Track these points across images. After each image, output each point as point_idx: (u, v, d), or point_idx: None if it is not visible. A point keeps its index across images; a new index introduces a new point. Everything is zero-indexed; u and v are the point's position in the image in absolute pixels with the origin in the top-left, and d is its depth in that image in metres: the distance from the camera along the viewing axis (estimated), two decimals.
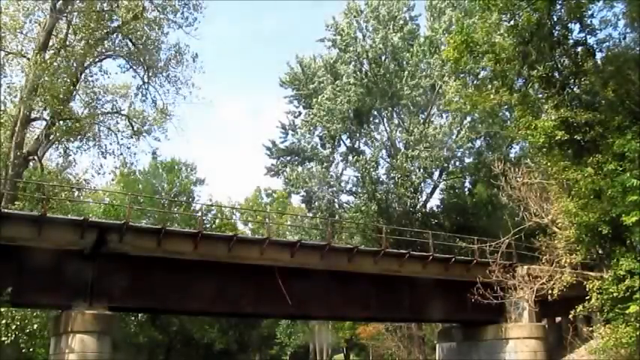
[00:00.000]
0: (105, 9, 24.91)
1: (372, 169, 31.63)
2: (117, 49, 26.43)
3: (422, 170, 31.44)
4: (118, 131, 25.99)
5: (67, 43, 24.75)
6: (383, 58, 32.09)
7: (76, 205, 28.08)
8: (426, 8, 33.99)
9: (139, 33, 25.84)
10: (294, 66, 34.79)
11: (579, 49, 17.30)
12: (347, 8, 33.44)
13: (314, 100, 32.53)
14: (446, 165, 33.30)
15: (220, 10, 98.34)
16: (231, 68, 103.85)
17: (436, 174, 34.02)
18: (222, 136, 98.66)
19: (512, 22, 17.13)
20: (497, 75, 17.94)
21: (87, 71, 25.78)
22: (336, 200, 33.77)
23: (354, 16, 33.13)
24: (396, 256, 19.29)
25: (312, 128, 33.22)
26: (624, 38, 17.22)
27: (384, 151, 33.41)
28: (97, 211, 35.46)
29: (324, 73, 32.95)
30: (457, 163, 34.54)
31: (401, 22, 33.00)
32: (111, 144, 25.88)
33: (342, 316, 26.33)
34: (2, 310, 17.51)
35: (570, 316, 17.60)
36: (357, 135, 33.95)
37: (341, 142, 34.17)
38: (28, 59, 23.22)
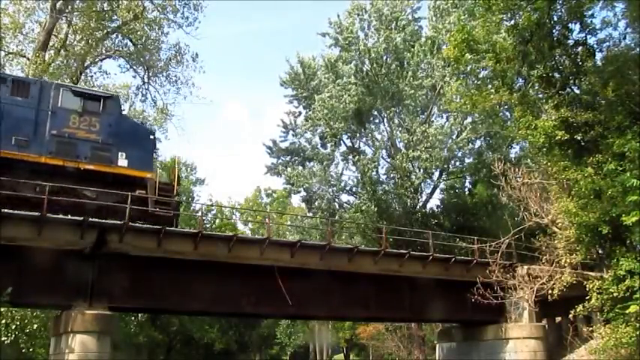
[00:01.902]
0: (105, 9, 24.94)
1: (372, 169, 31.63)
2: (117, 49, 26.50)
3: (422, 170, 31.44)
4: None
5: (67, 43, 24.79)
6: (385, 57, 32.11)
7: None
8: (429, 8, 34.03)
9: (139, 33, 25.90)
10: (295, 65, 34.84)
11: (579, 49, 17.29)
12: (351, 8, 33.49)
13: (316, 97, 32.58)
14: (446, 165, 33.27)
15: (220, 9, 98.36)
16: (231, 68, 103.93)
17: (436, 174, 34.02)
18: (223, 136, 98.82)
19: (512, 22, 17.14)
20: (497, 75, 17.94)
21: (87, 71, 25.83)
22: (336, 200, 33.79)
23: (358, 15, 33.17)
24: (396, 256, 19.28)
25: (313, 127, 33.25)
26: (624, 38, 17.24)
27: (384, 151, 33.42)
28: None
29: (325, 72, 32.98)
30: (457, 164, 34.54)
31: (403, 22, 33.03)
32: None
33: (342, 316, 26.33)
34: (2, 310, 17.50)
35: (570, 316, 17.60)
36: (358, 135, 33.98)
37: (341, 141, 34.20)
38: (28, 59, 23.24)
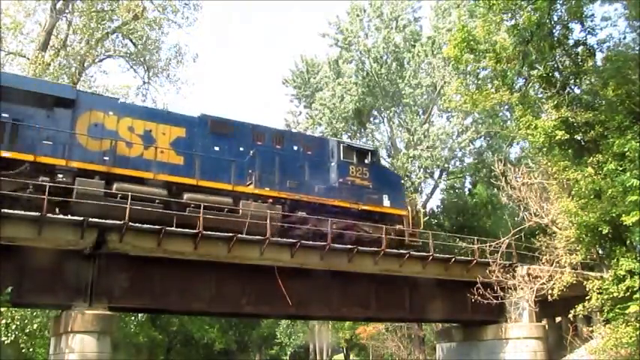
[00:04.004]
0: (105, 9, 24.95)
1: None
2: (117, 49, 26.49)
3: (422, 170, 31.43)
4: None
5: (67, 43, 24.79)
6: (385, 57, 32.13)
7: None
8: (432, 8, 34.09)
9: (139, 33, 25.89)
10: (299, 64, 34.88)
11: (579, 49, 17.28)
12: (351, 8, 33.53)
13: (317, 95, 32.59)
14: (446, 165, 33.29)
15: (222, 8, 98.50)
16: (232, 67, 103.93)
17: (436, 174, 34.05)
18: None
19: (512, 22, 17.13)
20: (497, 74, 17.93)
21: (87, 71, 25.82)
22: None
23: (357, 15, 33.20)
24: (396, 256, 19.26)
25: (313, 127, 33.25)
26: (624, 38, 17.24)
27: (384, 151, 33.42)
28: None
29: (327, 71, 33.01)
30: (457, 164, 34.56)
31: (403, 22, 33.04)
32: None
33: (342, 316, 26.26)
34: (2, 310, 17.51)
35: (570, 316, 17.57)
36: (358, 135, 33.97)
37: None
38: (28, 59, 23.24)
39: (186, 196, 16.77)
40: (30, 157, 14.94)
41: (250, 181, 18.08)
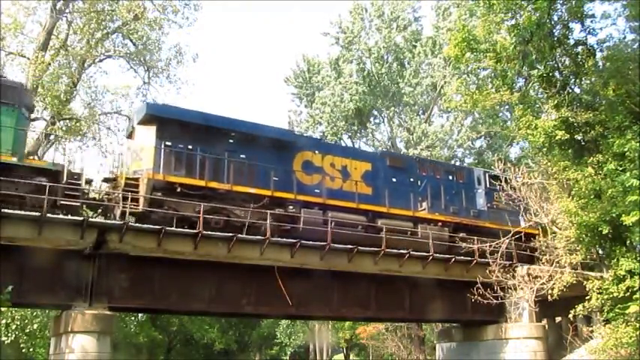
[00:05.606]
0: (105, 9, 24.91)
1: None
2: (117, 49, 26.44)
3: None
4: (119, 131, 26.00)
5: (67, 43, 24.77)
6: (385, 57, 32.14)
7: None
8: (432, 8, 34.19)
9: (139, 33, 25.86)
10: (300, 63, 34.90)
11: (580, 48, 17.26)
12: (353, 7, 33.57)
13: (317, 95, 32.59)
14: None
15: (222, 7, 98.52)
16: (233, 66, 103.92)
17: None
18: None
19: (512, 22, 17.10)
20: (497, 74, 17.91)
21: (87, 71, 25.79)
22: None
23: (359, 14, 33.24)
24: (396, 256, 19.27)
25: (314, 126, 33.26)
26: (624, 38, 17.22)
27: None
28: None
29: (328, 70, 33.03)
30: (457, 163, 34.50)
31: (404, 22, 33.07)
32: (111, 144, 25.90)
33: (342, 316, 26.30)
34: (2, 310, 17.52)
35: (570, 316, 17.55)
36: (358, 134, 34.00)
37: (342, 141, 34.25)
38: (28, 59, 23.22)
39: (380, 221, 19.50)
40: (269, 192, 17.74)
41: (423, 208, 20.87)
